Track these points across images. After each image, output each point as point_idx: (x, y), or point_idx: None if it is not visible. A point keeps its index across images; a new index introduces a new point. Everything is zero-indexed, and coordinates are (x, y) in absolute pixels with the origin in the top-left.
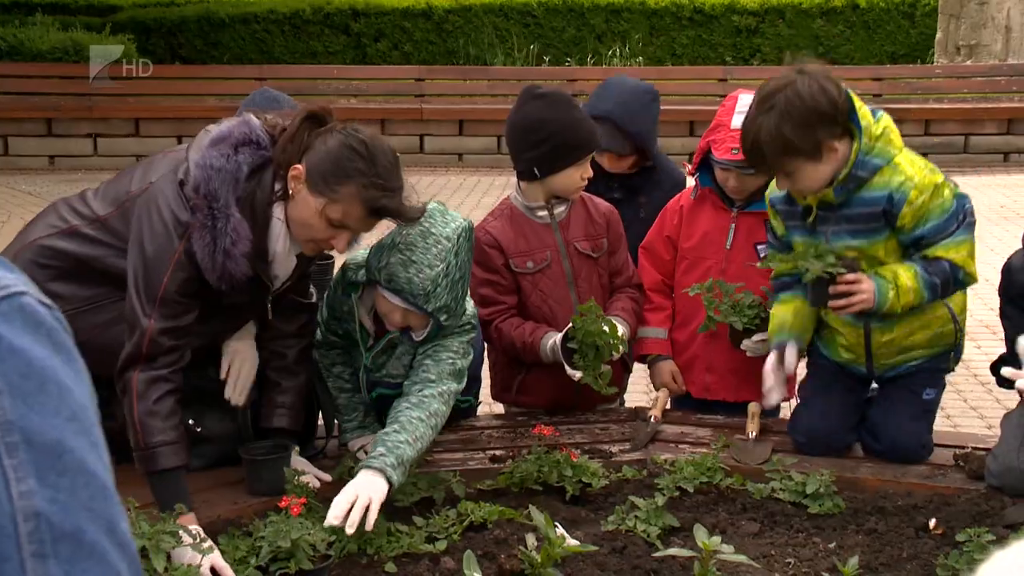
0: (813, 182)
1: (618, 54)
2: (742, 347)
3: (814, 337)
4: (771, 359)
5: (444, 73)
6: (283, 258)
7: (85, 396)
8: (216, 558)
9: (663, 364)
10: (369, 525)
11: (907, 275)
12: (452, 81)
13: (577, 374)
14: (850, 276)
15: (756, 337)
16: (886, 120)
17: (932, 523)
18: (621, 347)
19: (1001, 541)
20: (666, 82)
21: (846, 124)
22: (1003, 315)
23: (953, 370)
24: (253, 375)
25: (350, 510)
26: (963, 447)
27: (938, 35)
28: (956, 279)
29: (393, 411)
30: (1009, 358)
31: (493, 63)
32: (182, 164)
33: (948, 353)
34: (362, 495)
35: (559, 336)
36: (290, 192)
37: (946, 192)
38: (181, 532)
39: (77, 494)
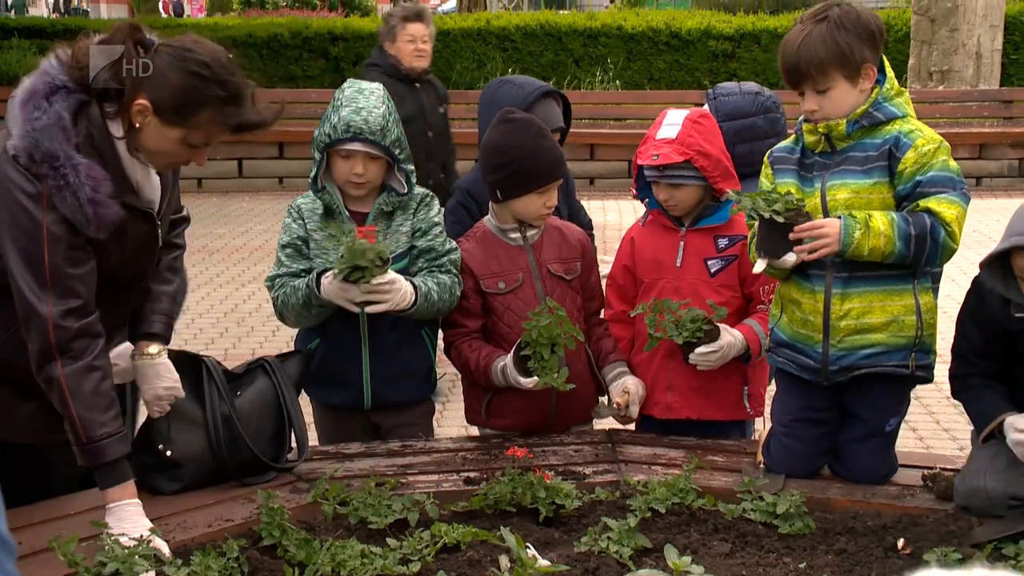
0: (840, 106)
1: (596, 78)
2: (691, 361)
3: (774, 330)
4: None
5: None
6: (146, 181)
7: None
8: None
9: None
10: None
11: (882, 219)
12: None
13: (531, 382)
14: (807, 224)
15: (701, 349)
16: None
17: (901, 543)
18: (579, 337)
19: (967, 560)
20: (644, 106)
21: (878, 60)
22: (957, 388)
23: (930, 379)
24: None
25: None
26: (931, 468)
27: (910, 61)
28: (935, 238)
29: None
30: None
31: (475, 87)
32: (7, 140)
33: (908, 351)
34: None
35: (509, 356)
36: (135, 125)
37: (951, 161)
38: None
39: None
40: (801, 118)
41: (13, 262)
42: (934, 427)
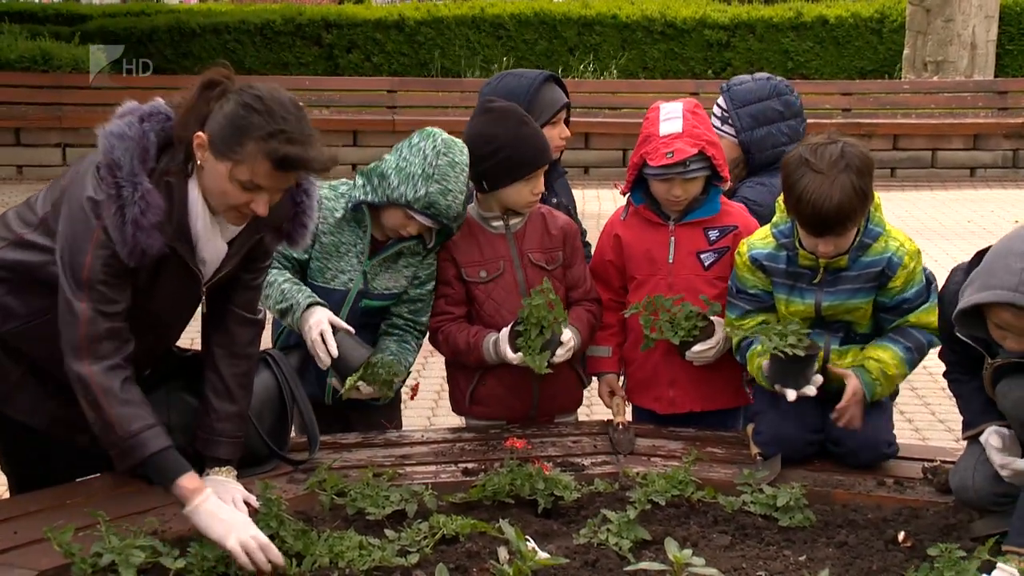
0: (851, 240)
1: (591, 67)
2: (687, 358)
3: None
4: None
5: (416, 85)
6: (208, 239)
7: None
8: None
9: (604, 379)
10: None
11: (893, 362)
12: (424, 93)
13: (515, 358)
14: (846, 402)
15: (697, 348)
16: (876, 194)
17: (901, 536)
18: (564, 328)
19: (969, 554)
20: (638, 95)
21: None
22: (947, 372)
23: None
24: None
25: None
26: (932, 460)
27: (906, 51)
28: (930, 345)
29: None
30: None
31: (469, 75)
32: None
33: None
34: None
35: (505, 330)
36: (198, 162)
37: (921, 260)
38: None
39: None
40: (790, 241)
41: (60, 251)
42: (930, 418)
